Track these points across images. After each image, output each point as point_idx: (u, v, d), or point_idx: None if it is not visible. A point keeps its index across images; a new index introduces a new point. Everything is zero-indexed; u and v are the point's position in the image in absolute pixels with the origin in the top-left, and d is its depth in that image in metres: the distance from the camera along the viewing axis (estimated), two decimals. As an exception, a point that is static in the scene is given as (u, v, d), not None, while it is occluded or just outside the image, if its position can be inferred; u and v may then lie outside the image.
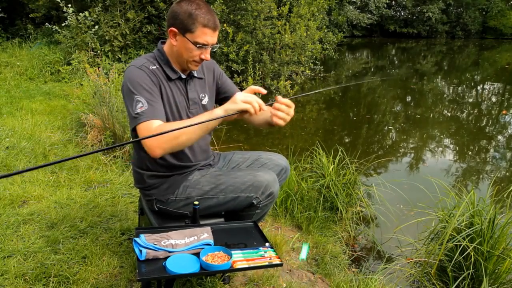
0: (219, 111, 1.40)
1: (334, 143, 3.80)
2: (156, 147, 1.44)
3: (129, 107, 1.52)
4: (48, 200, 2.57)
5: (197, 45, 1.53)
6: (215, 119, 1.39)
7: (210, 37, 1.55)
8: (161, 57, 1.63)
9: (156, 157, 1.47)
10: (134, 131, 1.55)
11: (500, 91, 8.88)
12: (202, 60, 1.59)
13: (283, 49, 6.93)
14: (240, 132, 4.96)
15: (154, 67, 1.60)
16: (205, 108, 1.73)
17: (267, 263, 1.40)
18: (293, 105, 1.51)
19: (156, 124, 1.47)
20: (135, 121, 1.49)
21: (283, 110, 1.48)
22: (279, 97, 1.50)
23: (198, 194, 1.66)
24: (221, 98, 1.86)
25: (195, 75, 1.70)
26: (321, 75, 9.25)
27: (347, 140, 5.12)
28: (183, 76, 1.65)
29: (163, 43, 1.67)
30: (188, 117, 1.67)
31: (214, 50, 1.65)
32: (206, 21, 1.52)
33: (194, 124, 1.31)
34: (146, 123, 1.47)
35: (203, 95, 1.73)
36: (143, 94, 1.51)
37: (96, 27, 6.42)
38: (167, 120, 1.60)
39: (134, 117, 1.49)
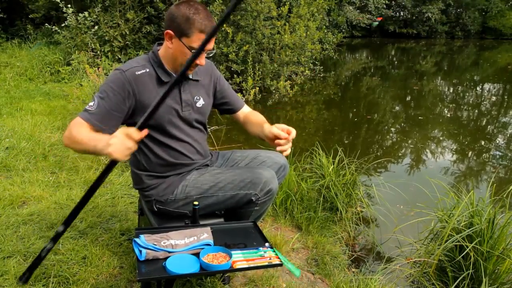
0: (100, 143, 1.37)
1: (333, 143, 3.80)
2: (65, 137, 1.52)
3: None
4: (48, 200, 2.57)
5: (192, 50, 1.52)
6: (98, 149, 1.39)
7: None
8: (154, 59, 1.62)
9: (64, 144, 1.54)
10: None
11: (501, 92, 8.88)
12: (197, 65, 1.58)
13: (283, 50, 6.93)
14: (240, 132, 4.96)
15: (143, 71, 1.58)
16: (199, 111, 1.72)
17: (266, 263, 1.41)
18: (292, 132, 1.61)
19: (82, 125, 1.50)
20: (80, 113, 1.53)
21: (281, 144, 1.59)
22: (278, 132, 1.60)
23: (197, 193, 1.67)
24: (220, 103, 1.85)
25: (190, 77, 1.69)
26: (321, 75, 9.25)
27: (346, 141, 5.13)
28: None
29: (160, 44, 1.66)
30: (181, 119, 1.67)
31: (211, 55, 1.64)
32: (203, 27, 1.50)
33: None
34: (78, 119, 1.51)
35: (198, 98, 1.72)
36: (103, 96, 1.53)
37: (96, 27, 6.42)
38: (162, 123, 1.62)
39: (83, 109, 1.54)
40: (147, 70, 1.60)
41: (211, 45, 1.56)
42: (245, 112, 1.89)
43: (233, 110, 1.88)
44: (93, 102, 1.53)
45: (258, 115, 1.84)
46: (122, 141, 1.31)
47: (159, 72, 1.61)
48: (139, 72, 1.57)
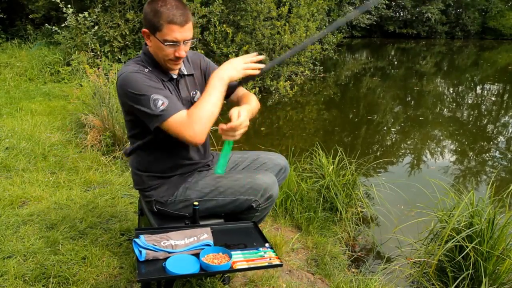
0: (226, 78, 1.53)
1: (333, 143, 3.80)
2: (201, 132, 1.47)
3: (147, 109, 1.47)
4: (48, 201, 2.57)
5: (166, 43, 1.48)
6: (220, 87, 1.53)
7: (178, 33, 1.47)
8: (148, 61, 1.59)
9: (200, 143, 1.50)
10: (155, 129, 1.51)
11: (501, 92, 8.88)
12: (178, 58, 1.53)
13: (283, 50, 6.93)
14: (239, 132, 4.96)
15: (146, 70, 1.57)
16: None
17: (267, 264, 1.40)
18: (239, 127, 1.51)
19: (185, 113, 1.48)
20: (161, 119, 1.46)
21: (223, 128, 1.51)
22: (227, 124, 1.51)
23: (197, 196, 1.66)
24: None
25: (185, 73, 1.67)
26: (321, 75, 9.26)
27: (346, 141, 5.13)
28: (174, 77, 1.63)
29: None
30: None
31: (193, 46, 1.62)
32: (171, 17, 1.45)
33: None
34: (176, 116, 1.46)
35: (194, 92, 1.70)
36: (157, 92, 1.48)
37: (96, 27, 6.41)
38: None
39: (158, 116, 1.46)
40: (147, 70, 1.58)
41: (186, 34, 1.50)
42: (239, 94, 1.78)
43: (226, 96, 1.78)
44: (160, 101, 1.47)
45: (250, 99, 1.73)
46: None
47: (156, 72, 1.59)
48: (146, 70, 1.56)
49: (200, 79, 1.75)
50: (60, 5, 6.39)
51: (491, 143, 5.18)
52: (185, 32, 1.49)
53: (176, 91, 1.64)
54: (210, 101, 1.49)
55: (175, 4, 1.47)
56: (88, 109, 4.07)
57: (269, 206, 1.70)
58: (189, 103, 1.67)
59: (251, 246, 1.50)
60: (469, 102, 7.87)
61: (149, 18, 1.48)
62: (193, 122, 1.46)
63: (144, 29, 1.53)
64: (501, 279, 2.02)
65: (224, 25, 6.24)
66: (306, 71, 7.78)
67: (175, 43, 1.49)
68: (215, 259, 1.36)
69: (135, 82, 1.50)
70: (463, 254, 2.05)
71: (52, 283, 1.78)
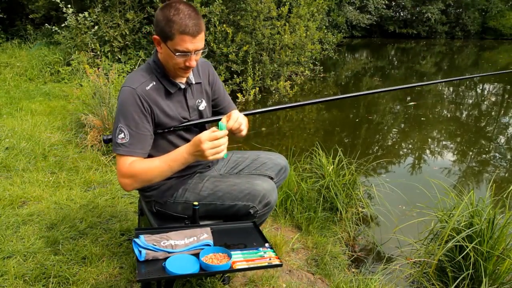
0: (190, 159, 1.47)
1: (333, 143, 3.80)
2: (129, 185, 1.51)
3: (113, 130, 1.55)
4: (48, 200, 2.57)
5: (177, 53, 1.46)
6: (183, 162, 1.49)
7: (190, 43, 1.44)
8: (157, 70, 1.58)
9: (126, 191, 1.56)
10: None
11: (501, 92, 8.88)
12: (188, 67, 1.51)
13: (283, 50, 6.93)
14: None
15: (151, 84, 1.55)
16: (201, 114, 1.70)
17: (266, 264, 1.40)
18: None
19: (129, 161, 1.50)
20: (114, 149, 1.54)
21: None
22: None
23: (196, 199, 1.66)
24: (212, 105, 1.81)
25: (193, 81, 1.66)
26: (321, 75, 9.26)
27: (347, 141, 5.13)
28: (182, 87, 1.62)
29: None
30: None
31: (203, 55, 1.60)
32: (183, 27, 1.41)
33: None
34: (122, 158, 1.51)
35: (200, 101, 1.70)
36: (129, 123, 1.51)
37: (96, 27, 6.42)
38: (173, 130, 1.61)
39: (115, 144, 1.54)
40: (154, 83, 1.56)
41: (198, 45, 1.47)
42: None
43: (222, 114, 1.82)
44: (122, 134, 1.51)
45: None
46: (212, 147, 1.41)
47: (165, 83, 1.58)
48: (148, 87, 1.54)
49: (207, 88, 1.75)
50: (60, 5, 6.39)
51: (491, 143, 5.18)
52: (197, 43, 1.47)
53: (184, 100, 1.64)
54: (160, 170, 1.50)
55: (188, 13, 1.43)
56: (88, 109, 4.06)
57: (267, 213, 1.69)
58: (195, 111, 1.68)
59: (251, 246, 1.50)
60: (470, 102, 7.87)
61: (161, 26, 1.45)
62: (130, 175, 1.49)
63: (155, 36, 1.50)
64: (501, 279, 2.02)
65: (224, 25, 6.25)
66: (306, 71, 7.79)
67: (186, 54, 1.47)
68: (215, 259, 1.36)
69: (124, 101, 1.53)
70: (463, 254, 2.04)
71: (52, 283, 1.78)
